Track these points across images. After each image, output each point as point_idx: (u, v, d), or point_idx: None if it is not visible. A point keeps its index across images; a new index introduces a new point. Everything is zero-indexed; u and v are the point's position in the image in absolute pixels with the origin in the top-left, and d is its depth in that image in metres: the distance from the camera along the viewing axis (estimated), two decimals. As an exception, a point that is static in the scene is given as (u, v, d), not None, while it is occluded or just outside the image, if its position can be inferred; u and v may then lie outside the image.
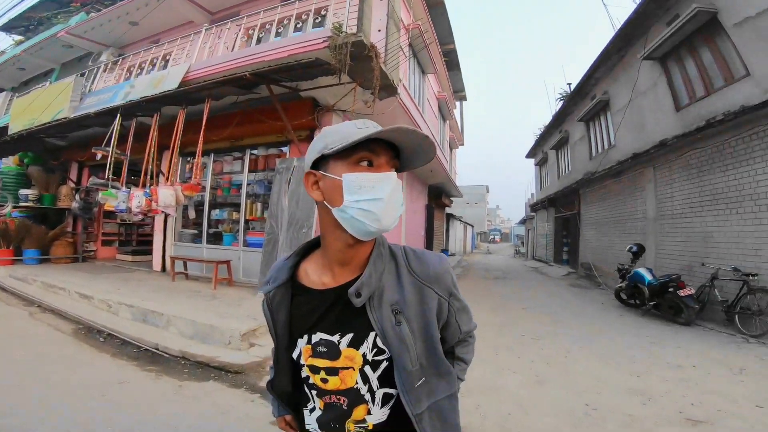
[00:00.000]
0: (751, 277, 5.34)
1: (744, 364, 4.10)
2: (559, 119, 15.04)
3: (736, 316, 5.45)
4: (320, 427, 0.86)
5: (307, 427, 0.90)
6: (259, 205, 6.69)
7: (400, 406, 0.81)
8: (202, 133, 5.55)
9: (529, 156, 21.66)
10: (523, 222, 27.85)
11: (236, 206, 6.90)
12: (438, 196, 16.37)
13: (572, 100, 13.04)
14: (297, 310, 0.85)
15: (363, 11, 4.97)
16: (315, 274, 0.85)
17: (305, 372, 0.85)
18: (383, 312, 0.79)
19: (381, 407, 0.83)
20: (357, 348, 0.80)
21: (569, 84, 14.99)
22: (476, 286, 10.61)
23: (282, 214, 5.41)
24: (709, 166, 6.50)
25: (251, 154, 6.86)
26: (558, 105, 15.36)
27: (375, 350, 0.80)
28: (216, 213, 7.15)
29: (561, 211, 16.04)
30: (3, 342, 3.99)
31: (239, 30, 6.43)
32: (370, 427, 0.83)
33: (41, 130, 7.53)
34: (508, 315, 6.49)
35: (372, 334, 0.79)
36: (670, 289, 6.09)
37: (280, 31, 6.08)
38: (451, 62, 13.38)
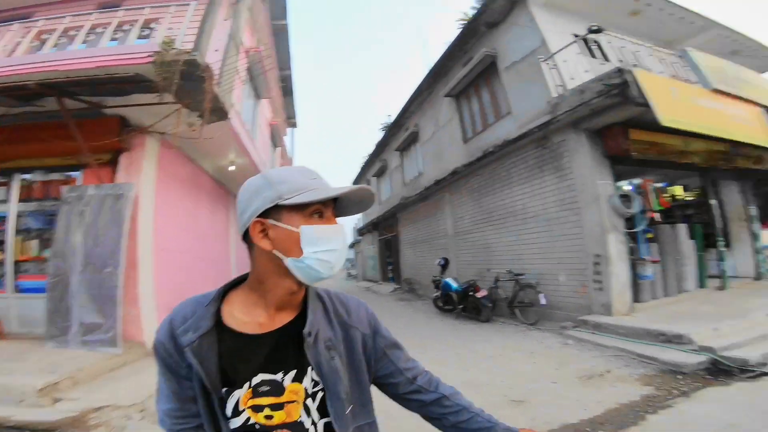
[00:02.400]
0: (519, 277, 6.70)
1: (532, 348, 5.04)
2: (379, 149, 16.61)
3: (516, 309, 6.69)
4: None
5: None
6: (35, 242, 5.19)
7: None
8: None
9: (355, 183, 23.28)
10: (352, 246, 29.55)
11: (-2, 244, 5.18)
12: None
13: (391, 131, 14.63)
14: (232, 358, 0.81)
15: (203, 29, 4.57)
16: (246, 317, 0.84)
17: (245, 415, 0.81)
18: (319, 348, 0.84)
19: None
20: (300, 382, 0.83)
21: (389, 116, 16.20)
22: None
23: (73, 253, 4.56)
24: (486, 189, 8.31)
25: (23, 179, 5.29)
26: (381, 136, 16.70)
27: (313, 383, 0.85)
28: (-38, 256, 5.15)
29: (384, 233, 17.75)
30: None
31: (28, 32, 5.02)
32: None
33: None
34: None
35: (309, 369, 0.84)
36: (470, 293, 7.25)
37: (89, 39, 5.00)
38: (287, 88, 13.42)
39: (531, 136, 6.50)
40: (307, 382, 0.84)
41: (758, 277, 7.17)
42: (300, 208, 0.78)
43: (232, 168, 7.31)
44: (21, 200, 5.25)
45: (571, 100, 5.62)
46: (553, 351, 4.90)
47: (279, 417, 0.82)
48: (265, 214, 0.79)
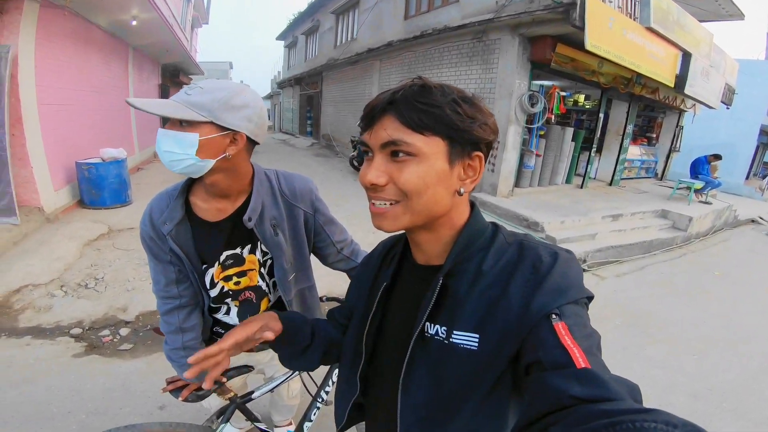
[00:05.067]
0: None
1: None
2: (313, 8, 15.55)
3: None
4: (240, 321, 1.07)
5: (221, 325, 1.19)
6: None
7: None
8: None
9: (280, 38, 22.03)
10: (269, 97, 28.30)
11: None
12: (175, 75, 14.65)
13: (331, -8, 13.39)
14: (202, 242, 1.02)
15: None
16: (207, 205, 1.01)
17: (219, 285, 1.08)
18: (264, 226, 1.03)
19: (273, 292, 1.17)
20: (254, 253, 1.07)
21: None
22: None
23: None
24: (416, 65, 8.50)
25: None
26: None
27: (263, 254, 1.09)
28: None
29: (306, 89, 17.73)
30: None
31: None
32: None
33: None
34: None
35: (259, 243, 1.06)
36: None
37: None
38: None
39: (471, 28, 6.56)
40: (258, 253, 1.08)
41: (611, 183, 8.84)
42: None
43: (134, 23, 6.58)
44: None
45: (517, 6, 5.70)
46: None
47: (244, 282, 1.09)
48: None
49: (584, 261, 4.78)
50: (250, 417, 1.33)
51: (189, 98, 0.86)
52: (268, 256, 1.09)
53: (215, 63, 34.72)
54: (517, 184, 6.84)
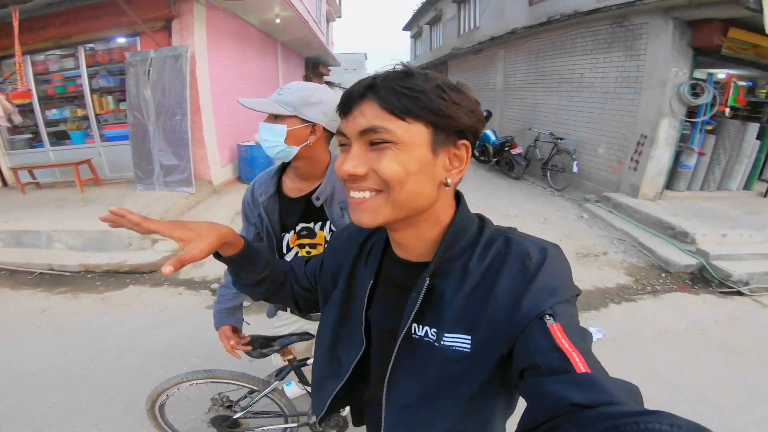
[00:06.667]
0: (559, 140, 6.69)
1: (548, 215, 5.38)
2: None
3: (548, 172, 6.84)
4: None
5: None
6: (109, 98, 5.88)
7: None
8: (16, 34, 4.36)
9: (405, 29, 22.51)
10: None
11: (78, 102, 5.91)
12: (315, 67, 16.52)
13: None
14: (285, 213, 1.24)
15: None
16: (292, 184, 1.24)
17: (294, 251, 1.28)
18: (333, 208, 1.20)
19: None
20: (323, 230, 1.25)
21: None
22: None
23: (146, 104, 5.21)
24: (544, 53, 7.73)
25: (87, 48, 5.66)
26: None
27: (331, 233, 1.24)
28: (53, 113, 6.00)
29: None
30: None
31: None
32: None
33: None
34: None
35: (328, 222, 1.23)
36: (506, 148, 7.30)
37: None
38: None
39: (607, 12, 5.68)
40: (326, 231, 1.25)
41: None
42: None
43: (278, 21, 7.51)
44: (89, 66, 5.70)
45: (667, -12, 4.66)
46: (567, 222, 5.16)
47: (314, 253, 1.27)
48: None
49: (746, 284, 3.65)
50: (303, 380, 1.50)
51: (279, 97, 1.08)
52: None
53: (351, 54, 36.81)
54: (669, 186, 5.70)
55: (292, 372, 1.46)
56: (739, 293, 3.44)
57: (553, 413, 0.42)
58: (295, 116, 1.08)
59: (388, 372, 0.63)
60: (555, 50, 7.38)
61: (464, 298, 0.56)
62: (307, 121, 1.10)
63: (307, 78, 13.79)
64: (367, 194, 0.54)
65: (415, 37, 21.31)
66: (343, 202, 1.19)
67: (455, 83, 0.55)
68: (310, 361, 1.39)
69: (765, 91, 7.83)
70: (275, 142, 1.10)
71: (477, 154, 8.59)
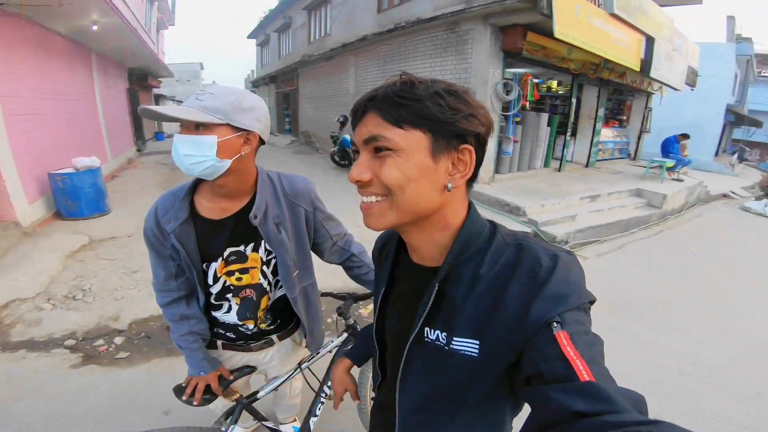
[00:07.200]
0: None
1: None
2: (284, 5, 15.37)
3: None
4: (239, 319, 1.16)
5: (220, 326, 1.19)
6: None
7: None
8: None
9: (251, 37, 21.89)
10: None
11: None
12: (143, 78, 14.34)
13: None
14: (206, 240, 1.05)
15: None
16: (212, 204, 1.05)
17: (221, 281, 1.10)
18: (268, 226, 1.07)
19: (274, 291, 1.19)
20: (257, 251, 1.10)
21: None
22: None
23: None
24: (392, 58, 8.45)
25: None
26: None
27: (266, 252, 1.11)
28: None
29: (282, 87, 17.60)
30: None
31: None
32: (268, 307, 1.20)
33: None
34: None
35: (263, 241, 1.09)
36: None
37: None
38: None
39: (443, 20, 6.58)
40: (261, 252, 1.11)
41: (587, 164, 9.08)
42: None
43: (94, 28, 6.38)
44: None
45: (489, -4, 5.75)
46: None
47: (246, 279, 1.12)
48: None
49: (566, 242, 4.90)
50: (257, 416, 1.35)
51: (202, 103, 0.90)
52: (272, 255, 1.12)
53: (186, 65, 34.03)
54: (497, 170, 6.94)
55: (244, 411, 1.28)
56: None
57: (554, 421, 0.42)
58: (226, 124, 0.92)
59: (399, 374, 0.65)
60: (401, 55, 8.15)
61: (474, 303, 0.56)
62: (241, 130, 0.94)
63: (131, 91, 11.86)
64: (373, 199, 0.57)
65: (262, 45, 20.84)
66: (278, 217, 1.08)
67: (458, 89, 0.56)
68: (261, 394, 1.30)
69: (546, 85, 10.40)
70: (202, 157, 0.91)
71: (338, 158, 8.86)
